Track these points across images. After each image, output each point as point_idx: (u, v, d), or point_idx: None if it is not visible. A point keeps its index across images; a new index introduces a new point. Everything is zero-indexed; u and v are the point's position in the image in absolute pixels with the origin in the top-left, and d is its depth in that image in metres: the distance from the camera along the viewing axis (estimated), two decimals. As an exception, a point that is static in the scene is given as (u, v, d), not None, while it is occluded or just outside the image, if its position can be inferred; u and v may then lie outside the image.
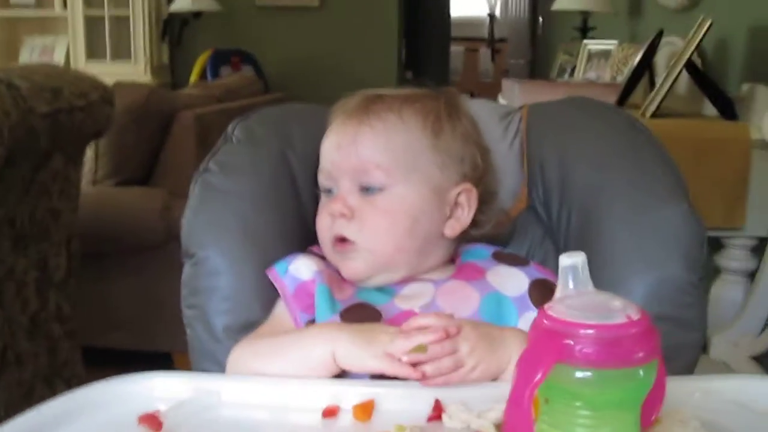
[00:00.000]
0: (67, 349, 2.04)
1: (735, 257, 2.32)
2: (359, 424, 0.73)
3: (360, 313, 0.90)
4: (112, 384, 0.78)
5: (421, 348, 0.77)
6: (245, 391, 0.78)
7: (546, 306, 0.58)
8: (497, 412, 0.71)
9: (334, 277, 0.96)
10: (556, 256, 1.03)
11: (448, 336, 0.78)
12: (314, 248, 1.01)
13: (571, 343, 0.55)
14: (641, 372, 0.56)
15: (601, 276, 0.94)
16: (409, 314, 0.89)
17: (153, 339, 2.65)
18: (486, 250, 1.00)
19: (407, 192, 0.94)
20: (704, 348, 2.38)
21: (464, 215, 0.98)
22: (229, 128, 1.05)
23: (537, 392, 0.58)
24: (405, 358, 0.77)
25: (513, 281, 0.94)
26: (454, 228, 0.97)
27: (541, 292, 0.92)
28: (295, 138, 1.05)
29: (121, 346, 2.67)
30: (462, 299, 0.91)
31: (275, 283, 0.95)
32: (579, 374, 0.55)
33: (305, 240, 1.02)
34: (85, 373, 2.08)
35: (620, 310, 0.56)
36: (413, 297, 0.93)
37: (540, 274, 0.96)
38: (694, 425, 0.69)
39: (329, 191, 0.97)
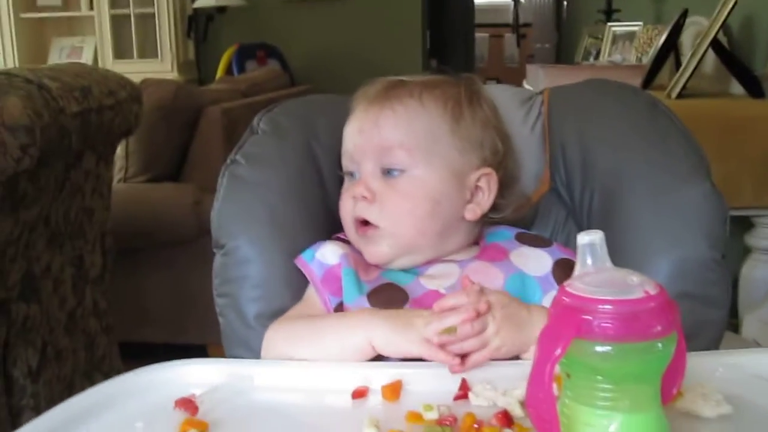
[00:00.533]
0: (105, 344, 2.08)
1: (765, 236, 2.30)
2: (388, 404, 0.75)
3: (387, 294, 0.92)
4: (149, 372, 0.81)
5: (451, 330, 0.79)
6: (277, 375, 0.80)
7: (565, 283, 0.59)
8: (522, 390, 0.72)
9: (360, 259, 0.98)
10: (579, 238, 1.04)
11: (478, 315, 0.79)
12: (340, 234, 1.03)
13: (590, 318, 0.56)
14: (660, 345, 0.57)
15: (624, 256, 0.96)
16: (434, 294, 0.91)
17: (187, 332, 2.70)
18: (509, 232, 1.02)
19: (428, 175, 0.95)
20: (736, 327, 2.37)
21: (485, 199, 0.99)
22: (255, 120, 1.07)
23: (559, 368, 0.60)
24: (435, 340, 0.79)
25: (536, 261, 0.96)
26: (474, 211, 0.99)
27: (564, 271, 0.93)
28: (320, 128, 1.07)
29: (156, 339, 2.71)
30: (487, 279, 0.92)
31: (304, 271, 0.97)
32: (599, 348, 0.56)
33: (332, 228, 1.04)
34: (123, 367, 2.12)
35: (638, 286, 0.58)
36: (438, 277, 0.95)
37: (563, 254, 0.98)
38: (716, 398, 0.70)
39: (351, 175, 0.99)
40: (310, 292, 0.97)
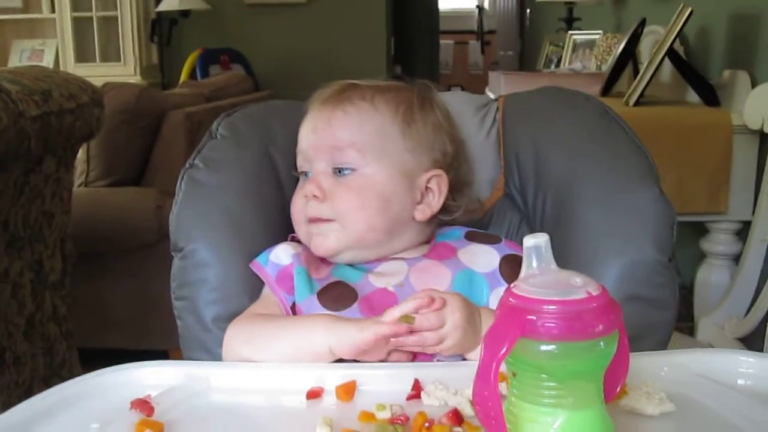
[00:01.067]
0: (65, 349, 2.07)
1: (720, 241, 2.35)
2: (342, 404, 0.76)
3: (336, 291, 0.94)
4: (105, 374, 0.81)
5: (408, 318, 0.80)
6: (233, 377, 0.81)
7: (511, 284, 0.61)
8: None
9: (311, 258, 0.99)
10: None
11: (432, 303, 0.82)
12: (294, 235, 1.04)
13: (535, 318, 0.58)
14: (602, 344, 0.59)
15: (576, 259, 0.98)
16: (383, 292, 0.93)
17: (149, 337, 2.68)
18: (459, 231, 1.04)
19: (378, 173, 0.98)
20: (691, 331, 2.42)
21: (434, 200, 1.01)
22: (214, 125, 1.08)
23: (506, 367, 0.61)
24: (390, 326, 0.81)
25: (484, 258, 0.98)
26: (424, 212, 1.01)
27: (512, 266, 0.96)
28: (278, 133, 1.09)
29: (117, 345, 2.69)
30: (434, 277, 0.95)
31: (259, 274, 0.99)
32: (543, 348, 0.58)
33: (289, 231, 1.05)
34: (83, 373, 2.10)
35: (581, 287, 0.60)
36: (387, 275, 0.96)
37: (511, 249, 1.00)
38: (660, 396, 0.73)
39: (305, 174, 1.01)
40: (267, 291, 0.99)
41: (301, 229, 1.01)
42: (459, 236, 1.03)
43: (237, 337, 0.92)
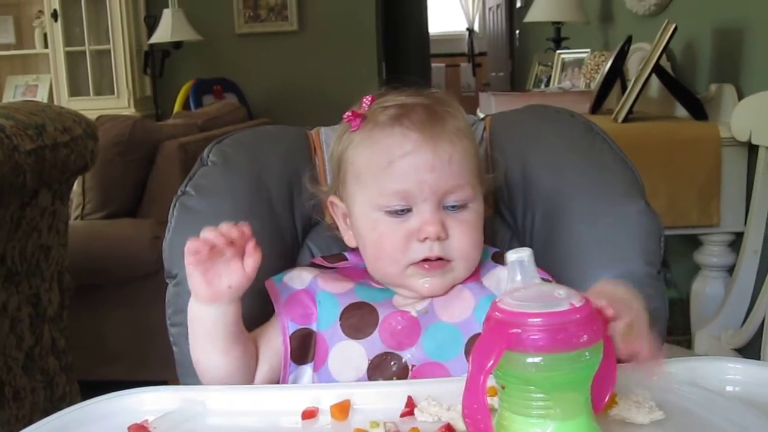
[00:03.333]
0: (64, 382, 2.07)
1: (713, 253, 2.36)
2: (337, 423, 0.77)
3: (358, 316, 0.94)
4: (103, 401, 0.82)
5: None
6: (228, 399, 0.82)
7: (496, 299, 0.63)
8: (466, 404, 0.75)
9: (331, 277, 0.98)
10: (522, 258, 1.08)
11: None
12: (316, 260, 1.04)
13: (520, 331, 0.59)
14: (587, 354, 0.60)
15: (566, 273, 1.00)
16: (405, 315, 0.93)
17: (149, 368, 2.68)
18: (487, 249, 1.02)
19: (480, 204, 0.97)
20: (689, 344, 2.42)
21: (486, 211, 1.01)
22: (205, 152, 1.10)
23: (495, 381, 0.63)
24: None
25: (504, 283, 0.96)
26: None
27: None
28: (269, 158, 1.10)
29: (117, 377, 2.69)
30: (458, 303, 0.94)
31: (270, 292, 0.98)
32: (529, 360, 0.60)
33: (282, 253, 1.06)
34: (82, 405, 2.11)
35: (564, 299, 0.61)
36: (411, 297, 0.96)
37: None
38: (649, 405, 0.74)
39: (402, 211, 0.94)
40: (274, 316, 0.98)
41: (394, 269, 0.95)
42: (487, 255, 1.01)
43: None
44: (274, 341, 0.95)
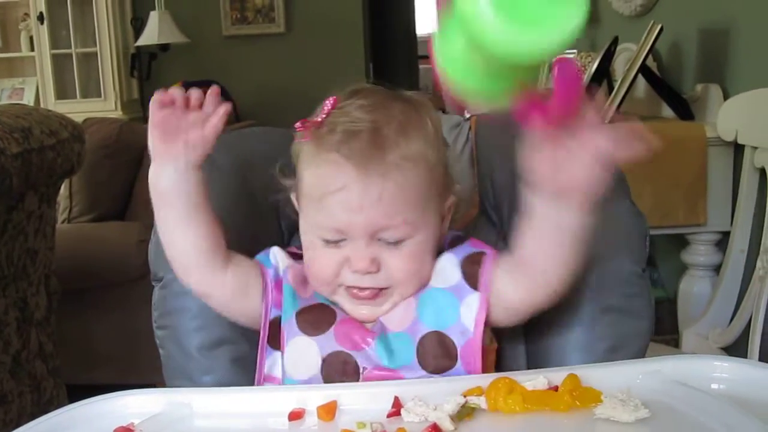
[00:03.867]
0: (52, 386, 2.06)
1: (700, 252, 2.38)
2: (324, 423, 0.77)
3: (315, 314, 0.93)
4: (89, 403, 0.82)
5: None
6: (215, 402, 0.82)
7: None
8: (452, 404, 0.76)
9: (299, 275, 0.97)
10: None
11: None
12: (291, 249, 1.02)
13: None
14: None
15: (552, 272, 0.99)
16: (358, 323, 0.93)
17: (137, 372, 2.66)
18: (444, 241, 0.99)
19: (427, 234, 0.92)
20: (676, 342, 2.43)
21: (446, 225, 0.98)
22: (190, 156, 1.09)
23: None
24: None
25: (446, 271, 0.94)
26: (440, 240, 0.97)
27: (473, 264, 0.93)
28: (255, 160, 1.10)
29: (105, 381, 2.67)
30: (401, 310, 0.93)
31: (262, 270, 0.96)
32: None
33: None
34: (70, 409, 2.10)
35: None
36: None
37: (469, 249, 0.95)
38: (635, 403, 0.74)
39: (337, 241, 0.91)
40: (254, 276, 0.96)
41: (325, 290, 0.94)
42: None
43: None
44: (256, 292, 0.95)
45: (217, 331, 0.99)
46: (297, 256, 0.99)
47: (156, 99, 0.85)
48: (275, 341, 0.94)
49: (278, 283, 0.96)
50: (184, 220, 0.89)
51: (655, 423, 0.73)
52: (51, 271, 2.07)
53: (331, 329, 0.92)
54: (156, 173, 0.89)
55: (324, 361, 0.90)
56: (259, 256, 0.98)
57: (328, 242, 0.91)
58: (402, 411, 0.77)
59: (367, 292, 0.91)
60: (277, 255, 0.98)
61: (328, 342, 0.91)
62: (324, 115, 0.92)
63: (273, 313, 0.95)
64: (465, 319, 0.91)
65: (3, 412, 1.83)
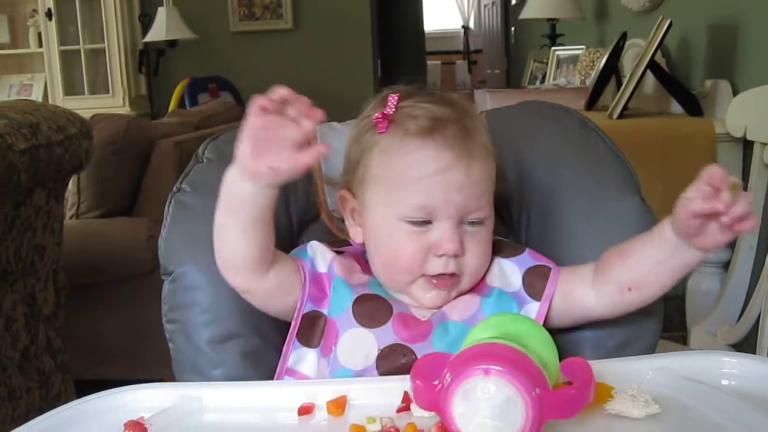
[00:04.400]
0: (60, 382, 2.07)
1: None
2: (333, 418, 0.77)
3: (372, 305, 0.94)
4: (99, 398, 0.82)
5: (734, 186, 0.80)
6: (225, 396, 0.82)
7: None
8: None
9: (345, 264, 0.98)
10: (518, 254, 1.07)
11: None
12: (334, 245, 1.02)
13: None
14: None
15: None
16: (415, 317, 0.94)
17: (145, 367, 2.67)
18: None
19: (492, 220, 0.97)
20: (685, 340, 2.43)
21: None
22: (200, 149, 1.10)
23: None
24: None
25: (508, 276, 0.97)
26: None
27: (533, 279, 0.96)
28: None
29: (113, 376, 2.68)
30: (464, 301, 0.95)
31: (299, 263, 0.96)
32: None
33: (280, 250, 1.06)
34: (78, 404, 2.10)
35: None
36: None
37: (532, 261, 0.98)
38: (645, 399, 0.74)
39: (423, 222, 0.93)
40: (294, 270, 0.96)
41: (406, 278, 0.94)
42: None
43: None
44: (293, 285, 0.95)
45: (227, 325, 0.99)
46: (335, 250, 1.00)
47: (258, 103, 0.81)
48: (305, 337, 0.94)
49: (315, 278, 0.96)
50: (245, 228, 0.87)
51: (666, 419, 0.73)
52: (59, 267, 2.07)
53: (389, 321, 0.93)
54: (233, 178, 0.85)
55: (381, 352, 0.91)
56: (297, 251, 0.98)
57: (414, 224, 0.93)
58: (411, 406, 0.77)
59: (448, 279, 0.93)
60: (316, 249, 0.98)
61: (387, 335, 0.92)
62: (393, 109, 0.95)
63: (307, 307, 0.95)
64: None
65: (12, 408, 1.84)
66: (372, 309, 0.94)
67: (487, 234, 0.95)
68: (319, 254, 0.97)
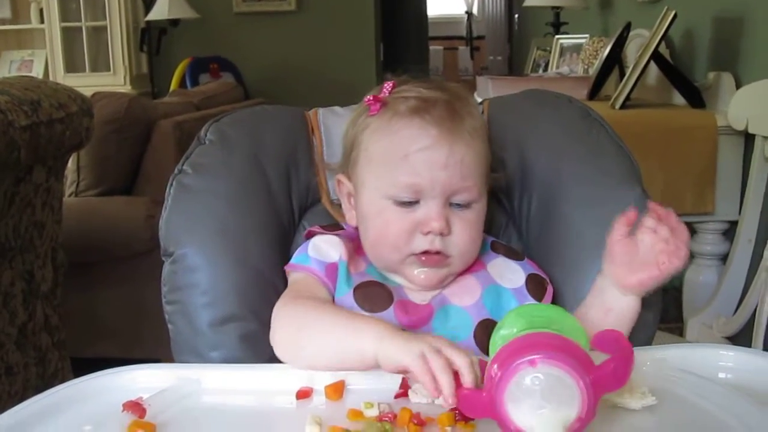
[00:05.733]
0: (57, 359, 2.07)
1: (707, 241, 2.37)
2: (331, 403, 0.78)
3: (372, 291, 0.95)
4: (97, 377, 0.82)
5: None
6: (224, 378, 0.82)
7: None
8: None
9: (350, 250, 0.99)
10: (518, 242, 1.08)
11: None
12: (314, 228, 1.03)
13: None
14: None
15: (561, 259, 1.01)
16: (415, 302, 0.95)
17: (142, 346, 2.68)
18: (486, 240, 1.02)
19: (484, 204, 0.98)
20: (681, 331, 2.44)
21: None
22: (202, 131, 1.10)
23: None
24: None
25: (511, 275, 0.99)
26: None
27: (535, 285, 0.98)
28: (267, 138, 1.09)
29: (110, 354, 2.70)
30: (466, 289, 0.96)
31: (304, 272, 0.97)
32: None
33: (280, 233, 1.06)
34: (75, 382, 2.11)
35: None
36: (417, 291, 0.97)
37: (533, 269, 1.01)
38: (642, 390, 0.74)
39: (410, 202, 0.94)
40: (310, 279, 0.96)
41: (394, 257, 0.95)
42: (486, 247, 1.02)
43: (290, 320, 0.90)
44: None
45: (227, 308, 0.99)
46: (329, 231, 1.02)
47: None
48: None
49: (330, 269, 0.96)
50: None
51: (662, 410, 0.73)
52: (58, 245, 2.07)
53: (391, 307, 0.94)
54: (383, 354, 0.80)
55: None
56: (297, 258, 0.99)
57: (401, 204, 0.94)
58: (409, 392, 0.77)
59: (435, 257, 0.94)
60: (319, 244, 0.99)
61: (389, 319, 0.92)
62: (387, 93, 0.97)
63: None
64: None
65: (8, 384, 1.84)
66: (373, 294, 0.95)
67: (475, 217, 0.96)
68: (324, 246, 0.98)
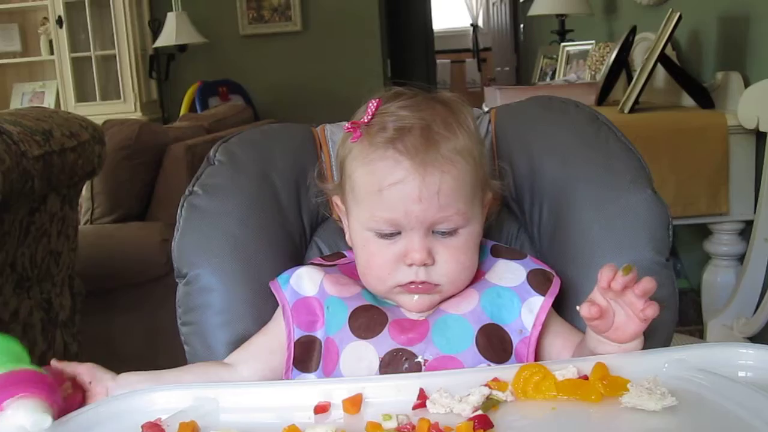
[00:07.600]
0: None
1: (723, 242, 2.36)
2: (349, 416, 0.77)
3: (367, 317, 0.94)
4: (116, 399, 0.83)
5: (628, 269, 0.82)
6: (241, 396, 0.82)
7: None
8: (477, 396, 0.76)
9: (336, 279, 0.98)
10: (531, 248, 1.08)
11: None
12: (315, 260, 1.04)
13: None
14: None
15: (574, 264, 1.00)
16: (412, 321, 0.94)
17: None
18: (485, 246, 1.02)
19: (474, 226, 0.95)
20: (701, 333, 2.42)
21: (485, 220, 1.00)
22: (212, 152, 1.10)
23: None
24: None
25: (511, 274, 0.97)
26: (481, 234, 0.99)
27: (539, 280, 0.96)
28: (276, 156, 1.10)
29: (130, 379, 2.70)
30: (463, 297, 0.95)
31: (276, 295, 0.98)
32: None
33: (292, 251, 1.07)
34: (96, 408, 2.11)
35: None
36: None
37: (536, 265, 0.99)
38: (661, 391, 0.74)
39: (392, 234, 0.93)
40: (277, 316, 0.98)
41: (381, 288, 0.95)
42: (486, 253, 1.01)
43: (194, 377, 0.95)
44: (279, 343, 0.95)
45: (242, 327, 0.99)
46: (325, 264, 1.01)
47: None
48: (302, 363, 0.94)
49: (300, 304, 0.96)
50: None
51: (682, 411, 0.73)
52: (74, 272, 2.09)
53: (385, 329, 0.93)
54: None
55: (382, 360, 0.91)
56: (280, 277, 0.99)
57: (383, 236, 0.93)
58: (427, 402, 0.77)
59: (422, 286, 0.93)
60: (303, 274, 0.98)
61: (385, 342, 0.92)
62: (370, 116, 0.94)
63: (297, 334, 0.95)
64: (525, 319, 0.93)
65: (30, 412, 1.84)
66: (368, 320, 0.94)
67: (463, 242, 0.93)
68: (307, 278, 0.98)
